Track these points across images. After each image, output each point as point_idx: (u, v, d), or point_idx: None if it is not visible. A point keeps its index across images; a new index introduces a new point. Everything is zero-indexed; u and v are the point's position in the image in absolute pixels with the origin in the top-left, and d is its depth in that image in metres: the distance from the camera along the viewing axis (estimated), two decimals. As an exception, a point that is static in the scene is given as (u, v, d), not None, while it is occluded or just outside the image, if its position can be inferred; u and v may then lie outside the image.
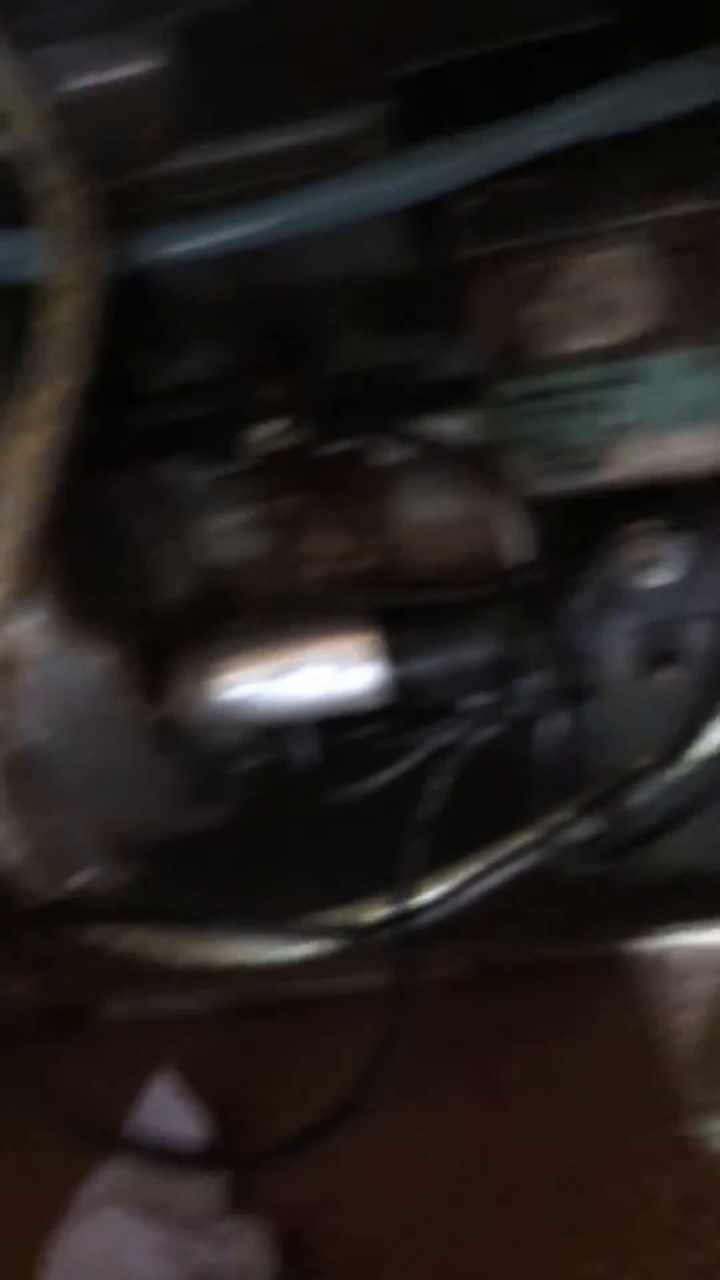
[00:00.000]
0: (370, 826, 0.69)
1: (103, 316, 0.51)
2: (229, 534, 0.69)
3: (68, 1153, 0.93)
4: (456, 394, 0.62)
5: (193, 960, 0.65)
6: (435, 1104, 0.90)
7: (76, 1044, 1.01)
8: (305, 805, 0.76)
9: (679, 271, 0.49)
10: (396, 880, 0.64)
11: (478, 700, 0.70)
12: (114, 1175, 0.89)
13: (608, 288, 0.48)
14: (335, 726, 0.76)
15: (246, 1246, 0.82)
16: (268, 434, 0.64)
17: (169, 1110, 0.90)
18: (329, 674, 0.63)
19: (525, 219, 0.48)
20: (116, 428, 0.59)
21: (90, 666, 0.61)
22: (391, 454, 0.67)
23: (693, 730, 0.61)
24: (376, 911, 0.67)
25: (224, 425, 0.63)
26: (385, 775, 0.72)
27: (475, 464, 0.61)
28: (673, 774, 0.64)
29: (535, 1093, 0.88)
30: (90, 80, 0.53)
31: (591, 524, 0.63)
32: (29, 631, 0.59)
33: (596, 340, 0.50)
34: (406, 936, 0.62)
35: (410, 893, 0.64)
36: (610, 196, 0.47)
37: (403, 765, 0.71)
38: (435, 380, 0.64)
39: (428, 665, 0.63)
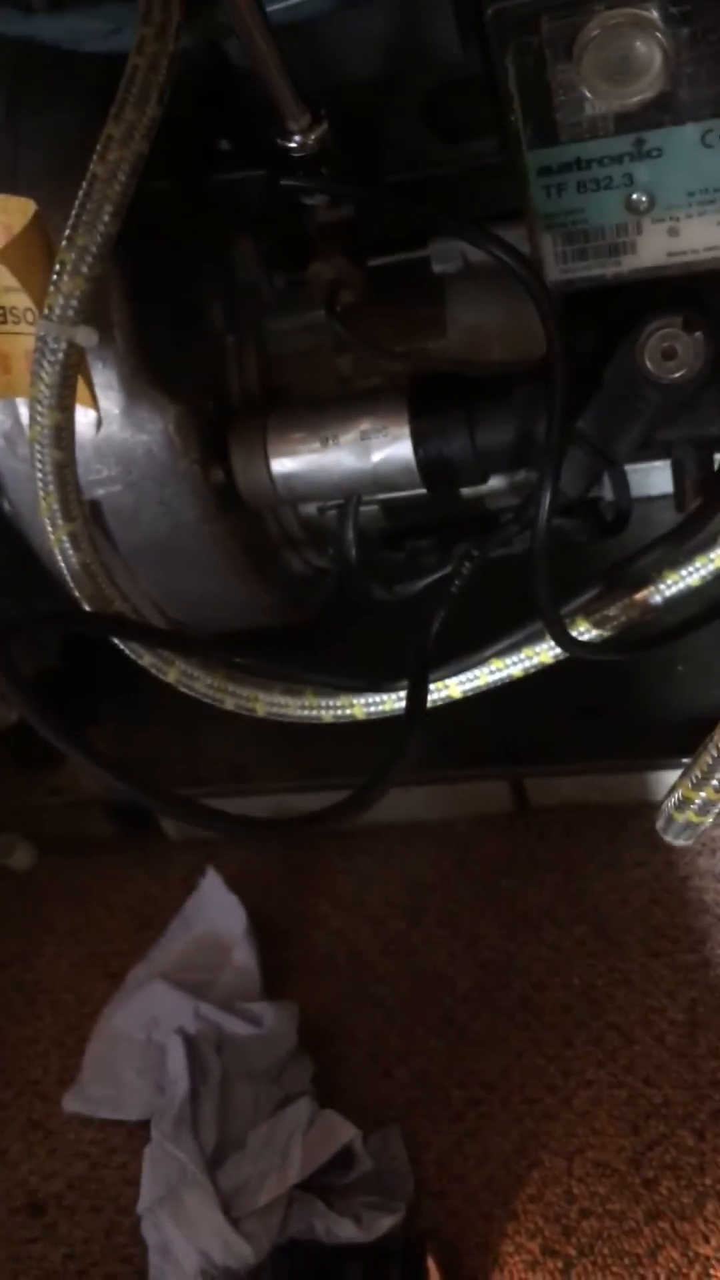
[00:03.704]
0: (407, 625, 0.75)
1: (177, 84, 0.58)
2: (293, 332, 0.75)
3: (128, 944, 1.02)
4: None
5: (237, 703, 0.70)
6: (465, 926, 0.95)
7: (143, 856, 1.09)
8: (351, 605, 0.82)
9: (689, 41, 0.53)
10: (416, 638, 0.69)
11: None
12: (162, 957, 0.96)
13: (625, 46, 0.52)
14: (384, 539, 0.82)
15: (270, 1025, 0.88)
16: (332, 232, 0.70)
17: (216, 902, 0.97)
18: (365, 449, 0.69)
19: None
20: (199, 197, 0.65)
21: (151, 425, 0.68)
22: (444, 265, 0.73)
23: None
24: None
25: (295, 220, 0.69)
26: (425, 580, 0.78)
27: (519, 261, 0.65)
28: (685, 582, 0.68)
29: (556, 921, 0.93)
30: None
31: (617, 320, 0.67)
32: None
33: (615, 103, 0.55)
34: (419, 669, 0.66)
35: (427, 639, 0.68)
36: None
37: (439, 572, 0.77)
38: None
39: (453, 445, 0.68)
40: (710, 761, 0.49)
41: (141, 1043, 0.92)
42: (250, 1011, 0.89)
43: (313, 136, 0.58)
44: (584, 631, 0.68)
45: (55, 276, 0.56)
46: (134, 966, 0.98)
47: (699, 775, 0.50)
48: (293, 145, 0.59)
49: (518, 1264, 0.78)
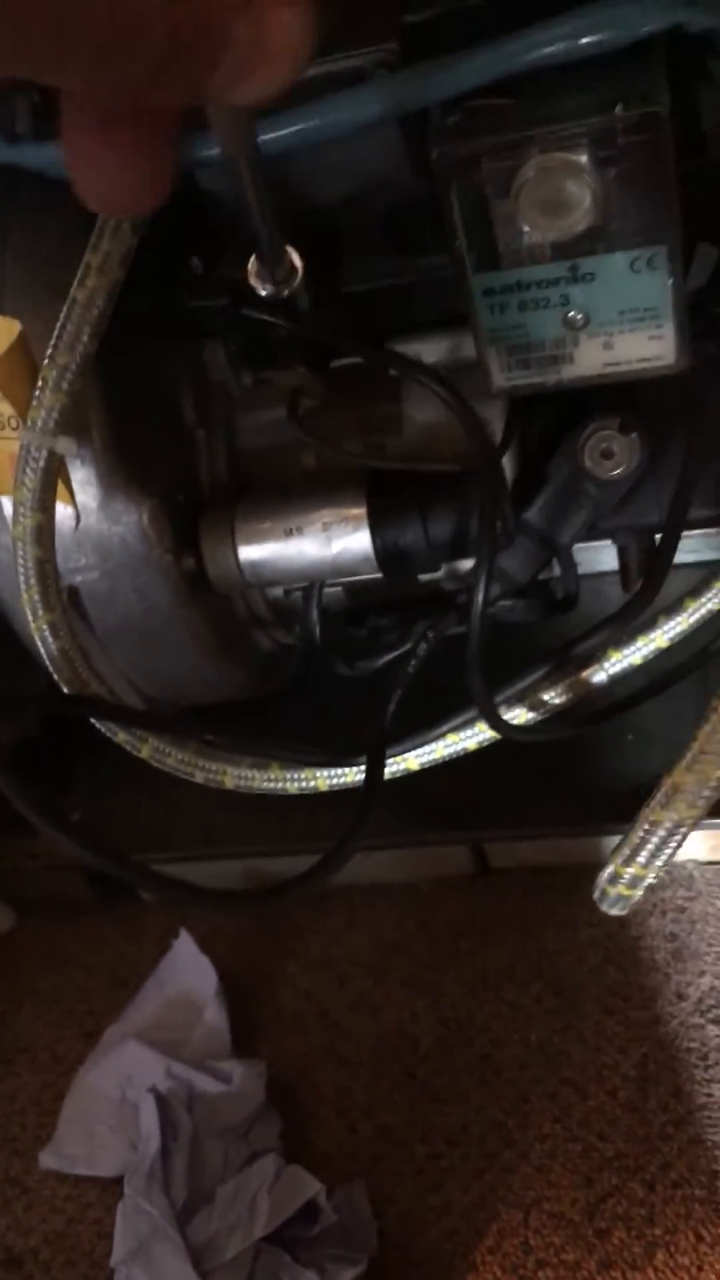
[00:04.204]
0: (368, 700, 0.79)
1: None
2: (259, 428, 0.80)
3: (104, 1003, 1.06)
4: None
5: (206, 776, 0.75)
6: (427, 984, 0.99)
7: (119, 918, 1.13)
8: (314, 681, 0.87)
9: (615, 181, 0.58)
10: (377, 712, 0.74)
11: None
12: (136, 1017, 1.00)
13: (558, 186, 0.58)
14: (348, 617, 0.87)
15: (239, 1083, 0.91)
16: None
17: (188, 962, 1.00)
18: (326, 540, 0.74)
19: (494, 127, 0.58)
20: (172, 305, 0.70)
21: (127, 517, 0.72)
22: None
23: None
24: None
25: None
26: (385, 657, 0.83)
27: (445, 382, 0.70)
28: (628, 660, 0.72)
29: (515, 980, 0.97)
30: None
31: (560, 423, 0.73)
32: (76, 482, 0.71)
33: (551, 234, 0.60)
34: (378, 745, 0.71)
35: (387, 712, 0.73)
36: (560, 111, 0.57)
37: (399, 650, 0.82)
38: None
39: (408, 536, 0.72)
40: (637, 840, 0.54)
41: (115, 1100, 0.95)
42: (220, 1070, 0.93)
43: (285, 291, 0.63)
44: (520, 714, 0.72)
45: (38, 391, 0.61)
46: (109, 1026, 1.01)
47: (628, 852, 0.54)
48: (264, 293, 0.64)
49: (477, 1313, 0.82)
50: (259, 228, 0.60)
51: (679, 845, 0.53)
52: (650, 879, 0.55)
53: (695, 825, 0.53)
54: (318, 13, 0.37)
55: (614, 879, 0.56)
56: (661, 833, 0.53)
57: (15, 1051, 1.06)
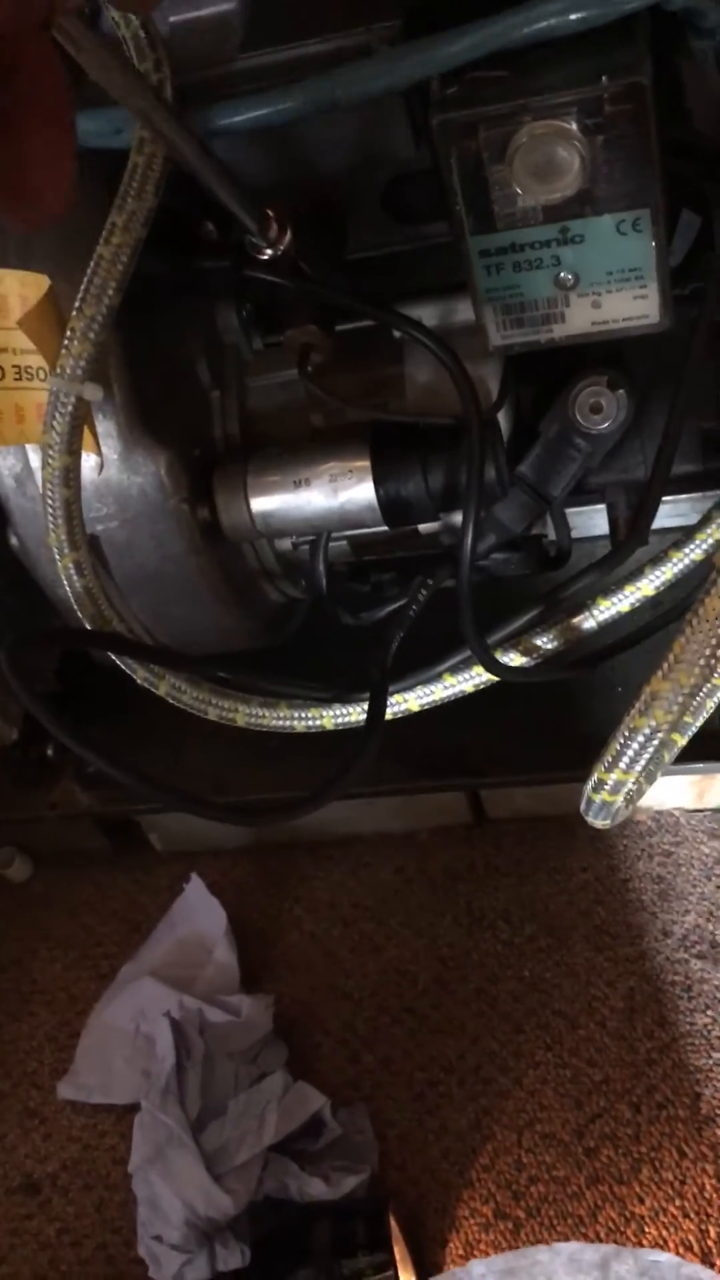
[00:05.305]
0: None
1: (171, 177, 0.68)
2: (269, 389, 0.85)
3: (117, 947, 1.11)
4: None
5: (219, 714, 0.79)
6: (426, 926, 1.04)
7: (131, 868, 1.18)
8: (322, 630, 0.92)
9: (602, 147, 0.63)
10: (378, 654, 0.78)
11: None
12: (149, 956, 1.05)
13: (549, 151, 0.63)
14: (352, 574, 0.92)
15: (248, 1014, 0.96)
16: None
17: (199, 904, 1.05)
18: (333, 490, 0.78)
19: (490, 96, 0.63)
20: (188, 272, 0.75)
21: (146, 468, 0.77)
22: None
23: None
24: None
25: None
26: (386, 609, 0.88)
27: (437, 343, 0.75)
28: (615, 609, 0.77)
29: (509, 920, 1.01)
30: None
31: (552, 380, 0.77)
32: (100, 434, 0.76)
33: (543, 198, 0.65)
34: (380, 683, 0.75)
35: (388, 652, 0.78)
36: (551, 82, 0.62)
37: (400, 602, 0.86)
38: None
39: (409, 486, 0.77)
40: (618, 747, 0.58)
41: (130, 1033, 1.00)
42: (230, 1003, 0.98)
43: (280, 249, 0.68)
44: (515, 659, 0.77)
45: (66, 341, 0.66)
46: (123, 966, 1.06)
47: (609, 759, 0.59)
48: (263, 257, 0.69)
49: (473, 1226, 0.86)
50: (225, 202, 0.65)
51: (658, 752, 0.58)
52: (631, 785, 0.59)
53: (671, 732, 0.58)
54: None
55: (598, 786, 0.60)
56: (640, 738, 0.57)
57: (32, 992, 1.11)
